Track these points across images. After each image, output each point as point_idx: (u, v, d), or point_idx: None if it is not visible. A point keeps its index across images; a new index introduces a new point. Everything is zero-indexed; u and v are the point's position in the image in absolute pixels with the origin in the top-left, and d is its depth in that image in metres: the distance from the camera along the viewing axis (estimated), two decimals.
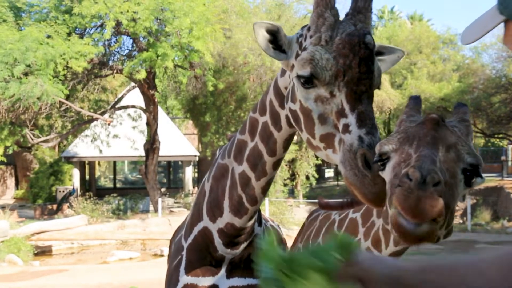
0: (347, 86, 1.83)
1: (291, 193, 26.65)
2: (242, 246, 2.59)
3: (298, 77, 1.93)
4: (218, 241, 2.55)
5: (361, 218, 2.18)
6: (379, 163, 1.80)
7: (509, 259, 1.07)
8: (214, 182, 2.59)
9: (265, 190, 2.44)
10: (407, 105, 2.03)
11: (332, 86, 1.87)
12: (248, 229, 2.55)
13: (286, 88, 2.18)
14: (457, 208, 2.14)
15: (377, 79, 1.91)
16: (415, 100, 2.00)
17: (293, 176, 26.58)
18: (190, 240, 2.68)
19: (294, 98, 2.03)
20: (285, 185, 25.43)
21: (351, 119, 1.81)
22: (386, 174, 1.76)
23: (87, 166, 30.70)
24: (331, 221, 2.32)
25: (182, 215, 19.92)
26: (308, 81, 1.92)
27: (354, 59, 1.82)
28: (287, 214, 20.75)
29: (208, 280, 2.62)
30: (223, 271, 2.63)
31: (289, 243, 3.41)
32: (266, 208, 19.29)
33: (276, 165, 2.38)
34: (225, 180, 2.51)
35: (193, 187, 29.88)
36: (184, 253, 2.70)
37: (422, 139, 1.66)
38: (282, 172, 25.05)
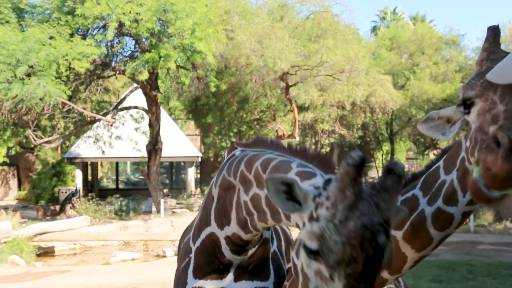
0: (347, 279, 1.70)
1: None
2: (251, 251, 2.58)
3: (304, 246, 1.82)
4: (225, 248, 2.54)
5: (420, 191, 2.12)
6: (462, 107, 1.87)
7: None
8: (222, 191, 2.56)
9: (267, 228, 2.42)
10: (486, 39, 1.92)
11: (333, 270, 1.73)
12: (255, 239, 2.55)
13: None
14: None
15: (386, 265, 1.75)
16: (494, 31, 1.89)
17: None
18: (198, 243, 2.68)
19: (298, 255, 1.92)
20: None
21: None
22: (472, 118, 1.81)
23: (89, 167, 30.74)
24: None
25: (184, 216, 19.94)
26: (313, 253, 1.79)
27: (361, 254, 1.67)
28: None
29: (216, 284, 2.61)
30: (231, 274, 2.62)
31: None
32: None
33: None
34: (233, 194, 2.47)
35: (196, 188, 29.88)
36: (192, 255, 2.69)
37: (507, 86, 1.63)
38: None
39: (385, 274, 2.12)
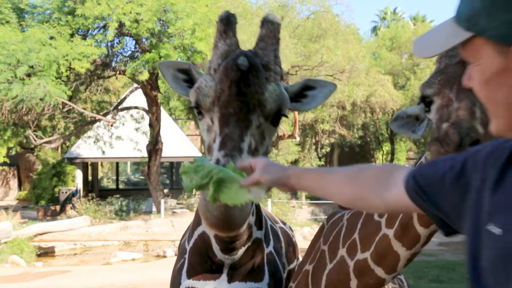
0: (219, 110, 1.81)
1: (294, 194, 26.61)
2: (241, 251, 2.56)
3: (191, 108, 1.93)
4: (215, 247, 2.54)
5: None
6: (424, 105, 1.97)
7: (352, 170, 1.48)
8: None
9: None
10: None
11: (212, 112, 1.85)
12: (241, 236, 2.53)
13: None
14: None
15: (271, 104, 1.85)
16: None
17: None
18: (191, 243, 2.68)
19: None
20: None
21: (217, 142, 1.78)
22: (432, 116, 1.91)
23: (89, 167, 30.73)
24: (367, 213, 2.27)
25: (184, 216, 19.92)
26: (199, 112, 1.90)
27: (226, 82, 1.79)
28: (289, 215, 20.74)
29: (209, 284, 2.60)
30: (224, 275, 2.60)
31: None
32: (269, 209, 19.28)
33: None
34: None
35: None
36: (186, 256, 2.69)
37: (462, 83, 1.72)
38: None
39: (381, 273, 2.12)
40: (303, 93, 2.10)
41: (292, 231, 3.37)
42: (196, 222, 2.66)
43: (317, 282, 2.38)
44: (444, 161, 1.27)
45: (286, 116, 1.95)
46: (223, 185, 1.60)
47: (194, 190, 1.64)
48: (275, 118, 1.91)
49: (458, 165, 1.22)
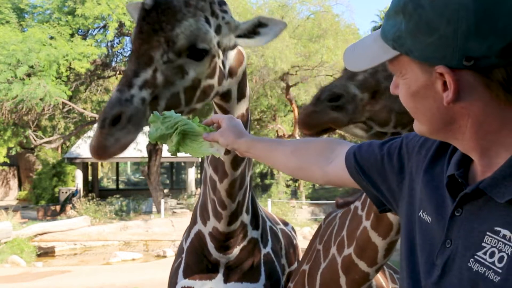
0: (132, 45, 1.90)
1: (294, 194, 26.61)
2: (235, 250, 2.56)
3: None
4: (210, 245, 2.53)
5: None
6: None
7: (298, 142, 1.63)
8: (203, 186, 2.58)
9: (230, 194, 2.38)
10: None
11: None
12: (235, 233, 2.51)
13: None
14: None
15: (182, 40, 1.87)
16: None
17: None
18: (188, 243, 2.68)
19: None
20: (287, 186, 25.39)
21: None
22: None
23: (90, 167, 30.73)
24: (354, 209, 2.29)
25: (184, 216, 19.92)
26: None
27: (136, 21, 1.90)
28: (289, 215, 20.72)
29: (205, 284, 2.59)
30: (220, 275, 2.60)
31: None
32: (269, 209, 19.27)
33: (235, 165, 2.31)
34: (206, 185, 2.51)
35: (196, 188, 29.87)
36: (183, 255, 2.69)
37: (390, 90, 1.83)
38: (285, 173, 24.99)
39: (364, 267, 2.14)
40: (255, 30, 2.11)
41: (295, 232, 3.35)
42: (193, 221, 2.66)
43: (312, 282, 2.39)
44: (381, 145, 1.36)
45: (206, 50, 1.94)
46: (187, 137, 1.75)
47: (157, 140, 1.76)
48: (192, 53, 1.90)
49: (395, 151, 1.31)
